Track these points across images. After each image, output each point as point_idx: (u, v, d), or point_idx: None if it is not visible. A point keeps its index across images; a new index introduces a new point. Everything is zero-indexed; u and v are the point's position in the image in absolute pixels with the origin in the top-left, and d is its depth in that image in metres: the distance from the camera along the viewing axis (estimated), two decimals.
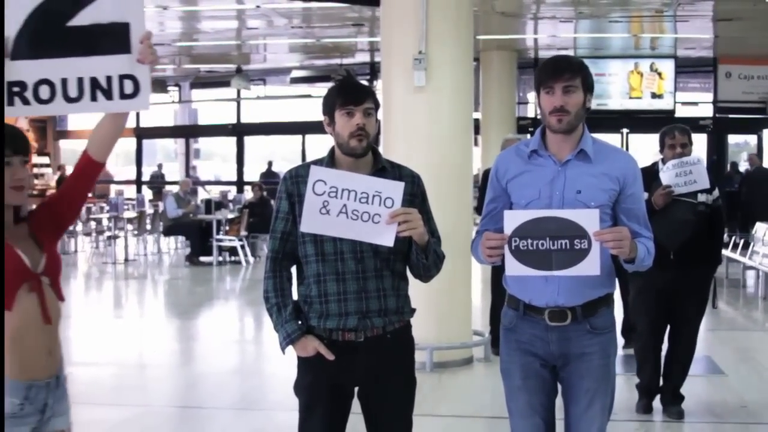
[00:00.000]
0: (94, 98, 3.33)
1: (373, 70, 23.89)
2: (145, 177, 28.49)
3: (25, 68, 3.29)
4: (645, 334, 7.57)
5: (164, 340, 11.63)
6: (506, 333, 4.31)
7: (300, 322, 4.09)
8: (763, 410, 7.83)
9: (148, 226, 20.63)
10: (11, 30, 3.29)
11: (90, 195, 3.86)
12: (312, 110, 25.56)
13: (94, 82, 3.32)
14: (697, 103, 23.32)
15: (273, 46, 21.91)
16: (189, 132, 28.37)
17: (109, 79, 3.33)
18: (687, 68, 22.74)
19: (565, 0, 16.11)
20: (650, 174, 6.86)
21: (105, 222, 21.29)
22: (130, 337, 11.78)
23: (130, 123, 27.32)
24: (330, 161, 4.10)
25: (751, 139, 24.80)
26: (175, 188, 21.08)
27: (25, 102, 3.33)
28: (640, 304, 7.55)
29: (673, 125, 7.45)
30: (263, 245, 20.00)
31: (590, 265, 3.90)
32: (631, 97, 22.05)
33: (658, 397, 7.63)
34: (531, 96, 23.94)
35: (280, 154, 29.71)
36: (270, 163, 26.93)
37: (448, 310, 9.19)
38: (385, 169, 4.12)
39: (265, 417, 7.94)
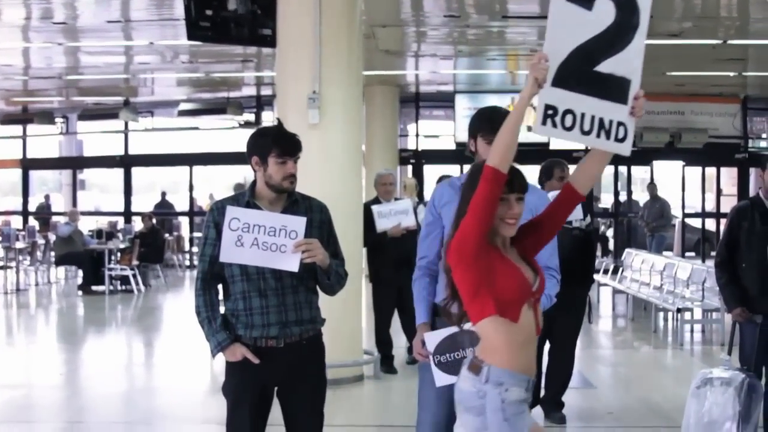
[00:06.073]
0: (599, 135, 3.86)
1: (260, 103, 24.48)
2: (31, 208, 28.39)
3: (560, 96, 3.78)
4: None
5: (56, 364, 11.77)
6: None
7: (228, 332, 4.74)
8: (626, 416, 8.68)
9: (40, 256, 20.75)
10: (557, 59, 3.77)
11: None
12: (199, 142, 26.02)
13: (601, 122, 3.85)
14: None
15: (161, 80, 22.17)
16: (76, 163, 28.37)
17: (610, 122, 3.86)
18: None
19: (445, 39, 16.85)
20: None
21: None
22: (21, 361, 12.02)
23: (16, 154, 27.42)
24: (251, 194, 4.79)
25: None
26: (62, 219, 21.14)
27: (554, 125, 3.80)
28: None
29: (558, 159, 8.34)
30: (154, 274, 20.43)
31: None
32: None
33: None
34: (411, 128, 24.77)
35: (162, 185, 29.72)
36: (164, 194, 27.19)
37: (340, 330, 9.76)
38: (297, 201, 4.84)
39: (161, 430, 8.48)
